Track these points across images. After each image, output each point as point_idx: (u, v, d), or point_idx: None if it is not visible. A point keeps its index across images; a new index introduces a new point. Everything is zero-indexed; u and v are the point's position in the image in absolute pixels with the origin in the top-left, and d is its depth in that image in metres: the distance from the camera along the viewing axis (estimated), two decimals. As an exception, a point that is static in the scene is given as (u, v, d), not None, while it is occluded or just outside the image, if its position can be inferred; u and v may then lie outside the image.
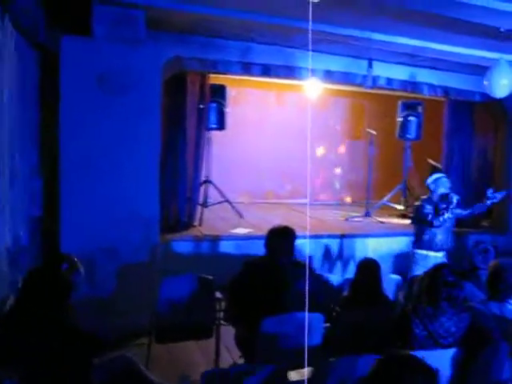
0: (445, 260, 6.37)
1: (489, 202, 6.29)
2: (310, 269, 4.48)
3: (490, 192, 6.28)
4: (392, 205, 10.01)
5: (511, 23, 4.89)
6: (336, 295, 4.99)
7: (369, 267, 4.57)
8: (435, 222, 6.22)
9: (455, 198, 6.24)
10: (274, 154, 11.18)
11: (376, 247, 8.00)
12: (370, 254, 7.27)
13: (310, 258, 7.60)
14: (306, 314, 3.28)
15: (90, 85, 5.68)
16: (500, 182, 9.53)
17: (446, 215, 6.17)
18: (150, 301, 4.97)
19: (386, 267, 6.01)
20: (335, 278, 5.53)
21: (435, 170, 9.92)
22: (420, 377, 1.91)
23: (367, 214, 9.67)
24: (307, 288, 3.21)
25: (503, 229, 9.51)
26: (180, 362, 5.16)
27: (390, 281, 5.53)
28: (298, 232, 4.57)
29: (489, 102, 8.63)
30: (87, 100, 5.72)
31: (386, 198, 10.07)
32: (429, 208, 6.27)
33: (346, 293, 4.69)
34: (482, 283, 4.52)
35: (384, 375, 1.93)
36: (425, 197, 6.46)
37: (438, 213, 6.23)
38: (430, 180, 6.50)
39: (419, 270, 6.02)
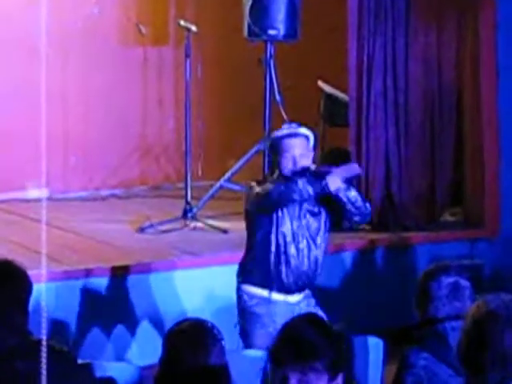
0: (314, 309, 6.60)
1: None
2: (63, 355, 4.27)
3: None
4: (242, 189, 9.77)
5: None
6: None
7: (188, 341, 4.30)
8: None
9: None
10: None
11: (211, 288, 8.27)
12: (198, 307, 7.82)
13: (63, 326, 7.78)
14: None
15: None
16: (473, 121, 10.24)
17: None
18: None
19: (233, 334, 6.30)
20: (125, 369, 5.66)
21: (335, 105, 11.10)
22: None
23: (187, 214, 9.73)
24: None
25: (488, 229, 9.93)
26: None
27: (248, 363, 5.61)
28: (31, 268, 4.57)
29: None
30: None
31: (226, 176, 10.31)
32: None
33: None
34: (452, 348, 4.47)
35: None
36: (272, 177, 6.90)
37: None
38: (267, 140, 7.33)
39: (261, 334, 6.53)
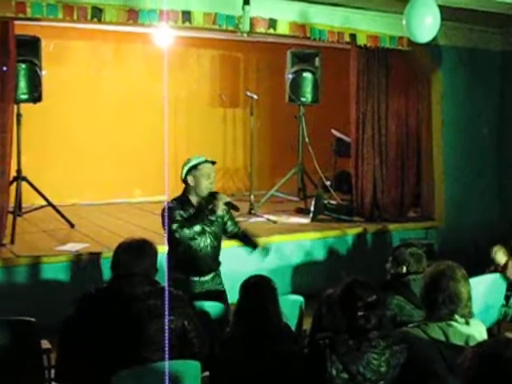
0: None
1: None
2: (178, 297, 4.37)
3: None
4: (285, 196, 10.53)
5: None
6: (217, 331, 4.91)
7: (257, 288, 4.48)
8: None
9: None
10: (112, 134, 11.10)
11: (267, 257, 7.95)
12: (260, 268, 7.10)
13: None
14: (167, 362, 3.28)
15: None
16: (427, 153, 10.20)
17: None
18: None
19: (283, 285, 6.20)
20: (215, 307, 5.44)
21: (342, 144, 10.87)
22: None
23: (251, 211, 9.74)
24: (167, 324, 3.54)
25: (437, 222, 10.06)
26: None
27: (290, 304, 5.51)
28: (159, 244, 4.51)
29: (409, 49, 9.21)
30: None
31: (275, 188, 10.32)
32: (177, 213, 5.84)
33: (229, 327, 4.60)
34: (413, 292, 4.72)
35: None
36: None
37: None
38: (184, 169, 6.01)
39: None
